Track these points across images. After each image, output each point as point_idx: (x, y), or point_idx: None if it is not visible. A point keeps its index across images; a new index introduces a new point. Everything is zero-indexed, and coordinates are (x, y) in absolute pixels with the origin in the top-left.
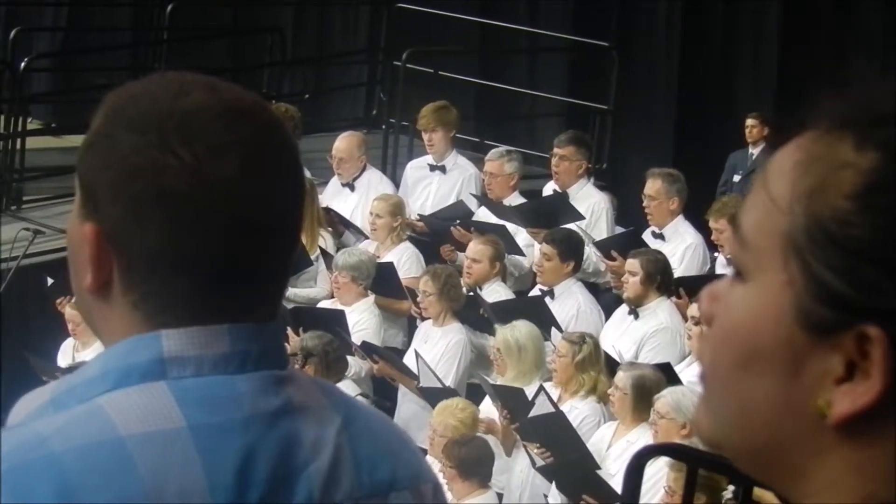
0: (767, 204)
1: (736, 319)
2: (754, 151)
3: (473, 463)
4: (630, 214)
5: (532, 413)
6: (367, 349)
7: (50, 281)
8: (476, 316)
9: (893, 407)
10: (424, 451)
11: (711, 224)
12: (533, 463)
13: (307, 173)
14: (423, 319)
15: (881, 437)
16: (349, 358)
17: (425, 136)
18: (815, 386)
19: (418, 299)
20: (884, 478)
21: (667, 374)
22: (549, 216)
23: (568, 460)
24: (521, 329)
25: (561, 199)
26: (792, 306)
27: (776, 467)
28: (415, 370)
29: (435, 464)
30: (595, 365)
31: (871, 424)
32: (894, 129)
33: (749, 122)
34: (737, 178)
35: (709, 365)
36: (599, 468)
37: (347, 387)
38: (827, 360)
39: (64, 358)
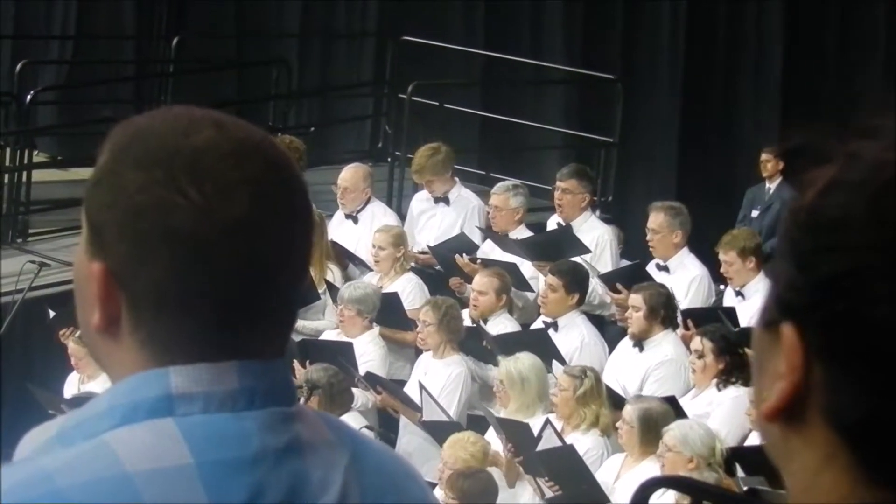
0: None
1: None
2: (771, 186)
3: (477, 496)
4: (635, 247)
5: (539, 447)
6: (371, 380)
7: (52, 313)
8: (479, 347)
9: (808, 407)
10: (432, 485)
11: (721, 256)
12: (541, 495)
13: (313, 206)
14: (424, 351)
15: (801, 435)
16: (355, 390)
17: (425, 185)
18: (769, 385)
19: (417, 329)
20: (825, 484)
21: (673, 407)
22: (555, 249)
23: (576, 493)
24: (524, 361)
25: (566, 232)
26: (761, 307)
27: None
28: (418, 402)
29: (441, 496)
30: (596, 399)
31: (804, 424)
32: (858, 141)
33: (763, 157)
34: (755, 213)
35: None
36: (608, 501)
37: (353, 418)
38: (776, 358)
39: (70, 390)
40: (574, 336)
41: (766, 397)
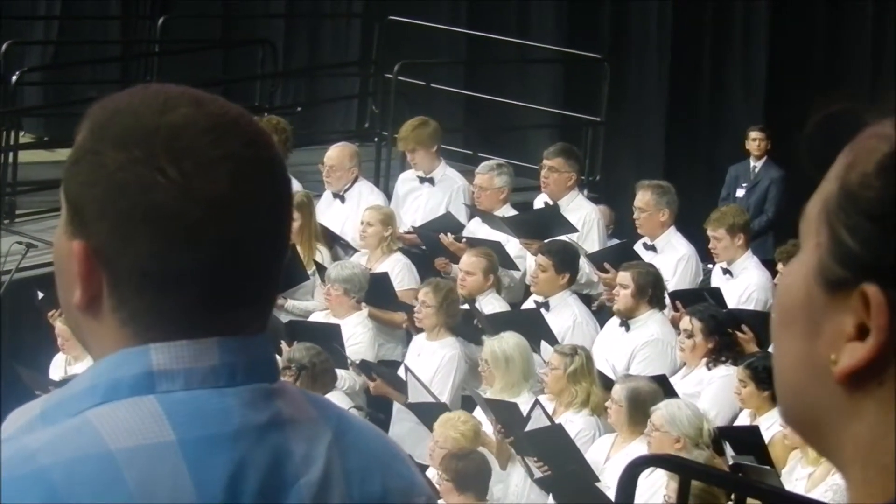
0: (824, 180)
1: (783, 283)
2: (757, 164)
3: (470, 477)
4: (623, 226)
5: (528, 427)
6: (366, 368)
7: (40, 294)
8: (470, 328)
9: (889, 364)
10: (424, 467)
11: (709, 233)
12: (530, 475)
13: (300, 186)
14: (417, 332)
15: (872, 396)
16: (342, 371)
17: (408, 156)
18: (831, 345)
19: (415, 310)
20: (879, 437)
21: (662, 387)
22: (542, 228)
23: (566, 473)
24: (508, 340)
25: (553, 210)
26: (815, 265)
27: (817, 436)
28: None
29: (435, 476)
30: (587, 376)
31: (880, 385)
32: None
33: (754, 134)
34: (740, 191)
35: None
36: (598, 480)
37: (339, 399)
38: (840, 319)
39: (56, 372)
40: (566, 316)
41: (835, 359)
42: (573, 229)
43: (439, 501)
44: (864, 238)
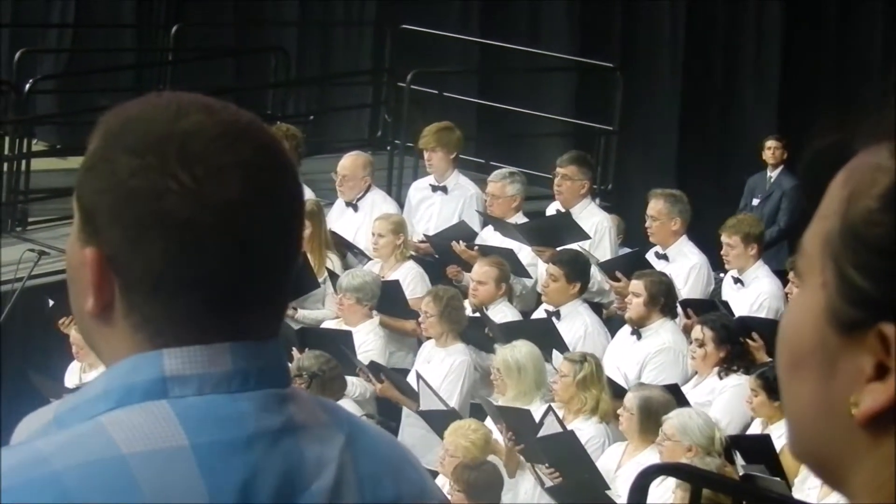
0: (819, 214)
1: (786, 321)
2: (772, 175)
3: (482, 487)
4: (635, 235)
5: (540, 433)
6: (374, 369)
7: (51, 302)
8: (481, 336)
9: None
10: (434, 474)
11: (724, 239)
12: (541, 483)
13: (312, 195)
14: (426, 339)
15: (890, 436)
16: (353, 378)
17: (425, 156)
18: (849, 387)
19: (419, 320)
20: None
21: (675, 396)
22: (554, 235)
23: (577, 481)
24: (520, 349)
25: (565, 218)
26: (825, 307)
27: (827, 470)
28: (417, 392)
29: (445, 485)
30: (596, 384)
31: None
32: None
33: (770, 143)
34: (756, 201)
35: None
36: (609, 489)
37: (350, 407)
38: (858, 360)
39: (71, 379)
40: (577, 325)
41: (855, 401)
42: (586, 236)
43: None
44: (877, 276)
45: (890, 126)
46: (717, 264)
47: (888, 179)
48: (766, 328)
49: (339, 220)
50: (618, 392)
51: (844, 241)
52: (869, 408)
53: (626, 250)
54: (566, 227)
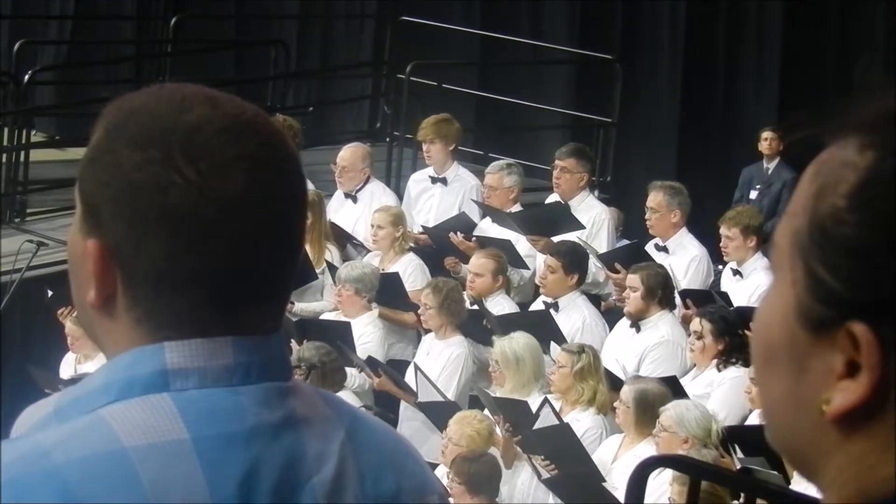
0: (789, 209)
1: (758, 316)
2: (769, 166)
3: (483, 479)
4: (634, 227)
5: (536, 425)
6: (372, 364)
7: (50, 293)
8: (480, 328)
9: (888, 401)
10: (432, 466)
11: (723, 231)
12: (538, 475)
13: (312, 186)
14: (426, 332)
15: (879, 432)
16: (353, 370)
17: (424, 147)
18: (820, 384)
19: (419, 311)
20: (883, 473)
21: (673, 388)
22: (550, 224)
23: (573, 473)
24: (518, 341)
25: (562, 207)
26: (795, 304)
27: (801, 463)
28: (414, 384)
29: (444, 476)
30: (594, 374)
31: (869, 419)
32: (894, 129)
33: (766, 134)
34: (754, 193)
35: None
36: (605, 481)
37: (349, 398)
38: (828, 357)
39: (67, 370)
40: (575, 317)
41: (827, 398)
42: (580, 226)
43: (450, 501)
44: (845, 275)
45: (857, 119)
46: (717, 256)
47: (855, 177)
48: None
49: (339, 211)
50: (616, 384)
51: (813, 239)
52: (840, 405)
53: (625, 242)
54: (561, 217)
